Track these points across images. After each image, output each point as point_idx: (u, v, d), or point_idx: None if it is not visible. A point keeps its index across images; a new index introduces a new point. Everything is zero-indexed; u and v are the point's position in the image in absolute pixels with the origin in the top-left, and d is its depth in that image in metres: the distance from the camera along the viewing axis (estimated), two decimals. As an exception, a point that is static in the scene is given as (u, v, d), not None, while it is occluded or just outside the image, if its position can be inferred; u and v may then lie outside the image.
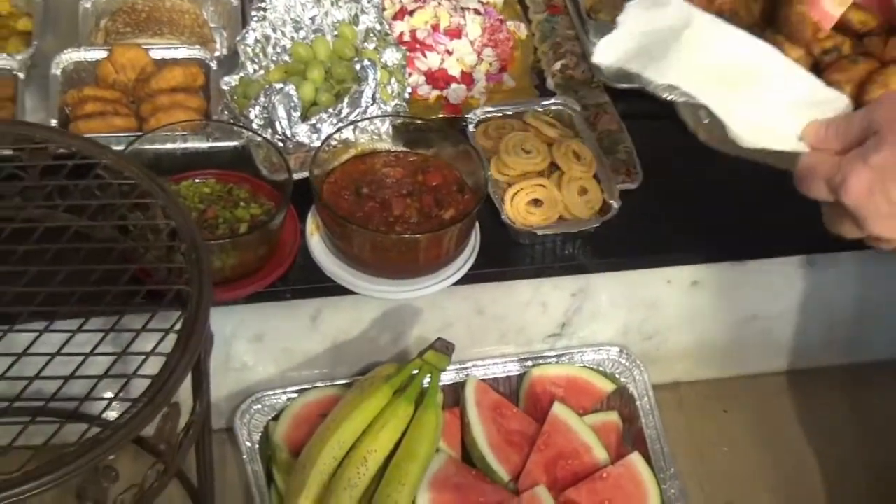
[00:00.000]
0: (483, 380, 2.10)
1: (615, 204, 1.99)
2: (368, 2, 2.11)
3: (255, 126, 1.99)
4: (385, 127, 2.00)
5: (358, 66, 2.01)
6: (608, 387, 2.12)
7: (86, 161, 1.59)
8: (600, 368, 2.14)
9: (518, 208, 1.98)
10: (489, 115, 2.11)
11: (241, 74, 2.08)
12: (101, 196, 1.56)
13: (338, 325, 2.02)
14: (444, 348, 1.92)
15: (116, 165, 1.55)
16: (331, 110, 1.99)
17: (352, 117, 1.99)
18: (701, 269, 2.09)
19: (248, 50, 2.10)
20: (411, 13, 2.22)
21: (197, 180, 1.96)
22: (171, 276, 1.50)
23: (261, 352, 2.03)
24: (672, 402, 2.21)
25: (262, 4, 2.11)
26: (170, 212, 1.52)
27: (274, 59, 2.12)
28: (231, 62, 2.14)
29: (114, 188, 1.57)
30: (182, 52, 2.13)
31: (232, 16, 2.25)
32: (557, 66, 2.24)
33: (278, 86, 1.96)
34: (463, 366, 2.09)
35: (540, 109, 2.12)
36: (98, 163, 1.56)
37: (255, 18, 2.10)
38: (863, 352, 2.30)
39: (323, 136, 1.98)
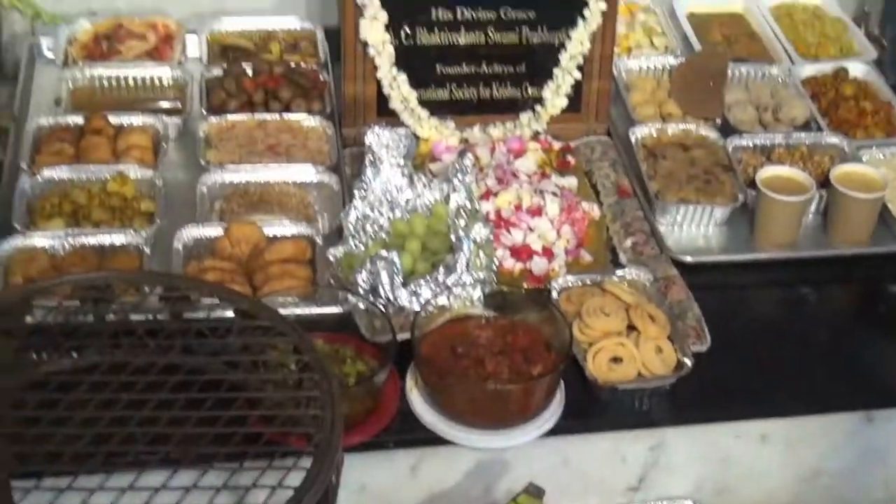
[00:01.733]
0: (568, 531, 2.25)
1: (688, 362, 2.18)
2: (459, 182, 2.33)
3: (360, 292, 2.20)
4: (477, 294, 2.20)
5: (453, 237, 2.23)
6: (685, 537, 2.27)
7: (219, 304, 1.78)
8: (677, 523, 2.29)
9: (600, 365, 2.17)
10: (571, 284, 2.31)
11: (345, 248, 2.30)
12: (238, 338, 1.75)
13: (435, 475, 2.18)
14: (535, 492, 2.08)
15: (253, 309, 1.75)
16: (428, 277, 2.21)
17: (448, 282, 2.20)
18: (768, 424, 2.25)
19: (350, 226, 2.32)
20: (496, 194, 2.44)
21: (306, 341, 2.16)
22: (300, 407, 1.68)
23: (363, 502, 2.19)
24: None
25: (363, 186, 2.34)
26: (303, 348, 1.71)
27: (373, 235, 2.34)
28: (334, 239, 2.36)
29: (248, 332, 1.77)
30: (291, 229, 2.36)
31: (333, 199, 2.48)
32: (628, 243, 2.45)
33: (383, 253, 2.19)
34: (549, 519, 2.25)
35: (616, 279, 2.32)
36: (236, 308, 1.76)
37: (357, 197, 2.33)
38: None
39: (422, 301, 2.18)
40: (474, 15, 2.60)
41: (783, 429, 2.26)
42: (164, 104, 2.73)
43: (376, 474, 2.16)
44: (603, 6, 2.59)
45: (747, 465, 2.30)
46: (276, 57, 2.83)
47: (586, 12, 2.60)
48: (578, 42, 2.62)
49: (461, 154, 2.38)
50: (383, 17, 2.53)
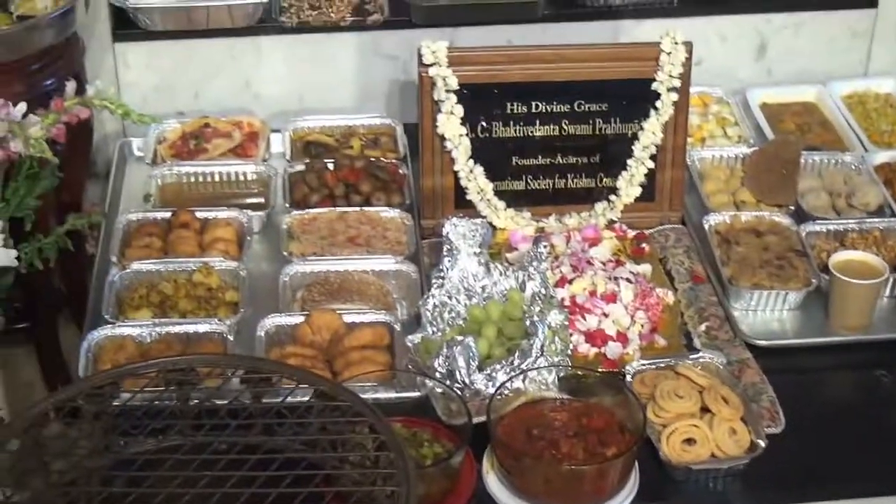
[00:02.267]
0: None
1: (762, 443, 2.20)
2: (535, 269, 2.39)
3: (437, 376, 2.25)
4: (552, 377, 2.24)
5: (528, 322, 2.29)
6: None
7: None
8: None
9: (673, 447, 2.19)
10: (645, 368, 2.35)
11: (423, 334, 2.36)
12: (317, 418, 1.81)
13: (510, 556, 2.22)
14: (610, 572, 2.11)
15: (331, 391, 1.81)
16: (503, 361, 2.26)
17: (523, 366, 2.25)
18: (842, 506, 2.27)
19: (428, 314, 2.38)
20: (571, 281, 2.49)
21: (385, 425, 2.21)
22: (377, 485, 1.73)
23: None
24: None
25: (441, 274, 2.41)
26: (378, 428, 1.76)
27: (450, 322, 2.40)
28: (412, 326, 2.43)
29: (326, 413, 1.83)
30: (370, 317, 2.43)
31: (411, 287, 2.55)
32: (702, 327, 2.49)
33: (459, 338, 2.25)
34: None
35: (689, 362, 2.35)
36: (316, 389, 1.82)
37: (435, 286, 2.40)
38: None
39: (498, 384, 2.23)
40: (549, 108, 2.67)
41: (860, 512, 2.28)
42: (249, 199, 2.83)
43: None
44: (675, 97, 2.66)
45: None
46: (357, 152, 2.92)
47: (658, 103, 2.67)
48: (651, 133, 2.68)
49: (536, 242, 2.45)
50: (459, 111, 2.62)
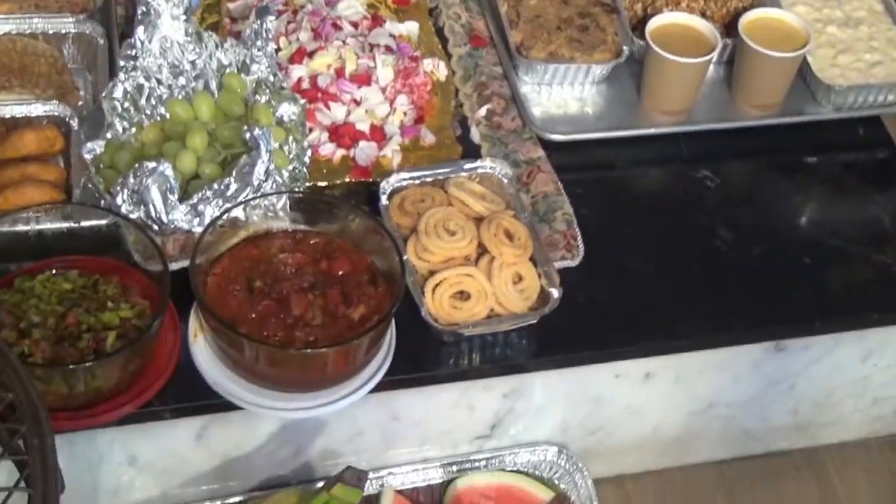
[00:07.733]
0: (401, 490, 1.79)
1: (555, 293, 1.68)
2: (259, 50, 1.77)
3: (123, 210, 1.64)
4: (281, 203, 1.66)
5: (247, 135, 1.67)
6: (546, 494, 1.82)
7: None
8: (536, 472, 1.83)
9: (441, 303, 1.66)
10: (405, 184, 1.78)
11: (108, 136, 1.74)
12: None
13: (228, 441, 1.70)
14: (354, 480, 1.60)
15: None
16: (215, 187, 1.65)
17: (241, 197, 1.65)
18: (655, 361, 1.79)
19: (117, 105, 1.75)
20: (311, 55, 1.88)
21: (55, 271, 1.62)
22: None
23: (136, 474, 1.70)
24: (618, 498, 1.94)
25: (133, 52, 1.76)
26: (6, 380, 1.18)
27: (147, 111, 1.77)
28: (97, 115, 1.79)
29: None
30: (37, 109, 1.78)
31: (98, 54, 1.90)
32: (483, 111, 1.92)
33: (150, 164, 1.62)
34: (377, 474, 1.78)
35: (465, 174, 1.79)
36: None
37: (125, 69, 1.75)
38: (826, 434, 2.03)
39: (206, 220, 1.64)
40: None
41: (673, 366, 1.81)
42: None
43: (152, 444, 1.68)
44: None
45: (625, 404, 1.87)
46: None
47: None
48: None
49: (261, 14, 1.79)
50: None
